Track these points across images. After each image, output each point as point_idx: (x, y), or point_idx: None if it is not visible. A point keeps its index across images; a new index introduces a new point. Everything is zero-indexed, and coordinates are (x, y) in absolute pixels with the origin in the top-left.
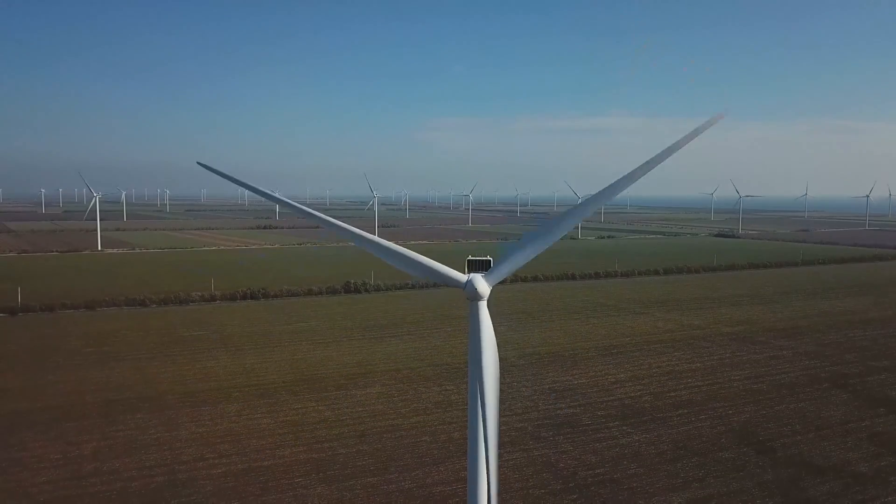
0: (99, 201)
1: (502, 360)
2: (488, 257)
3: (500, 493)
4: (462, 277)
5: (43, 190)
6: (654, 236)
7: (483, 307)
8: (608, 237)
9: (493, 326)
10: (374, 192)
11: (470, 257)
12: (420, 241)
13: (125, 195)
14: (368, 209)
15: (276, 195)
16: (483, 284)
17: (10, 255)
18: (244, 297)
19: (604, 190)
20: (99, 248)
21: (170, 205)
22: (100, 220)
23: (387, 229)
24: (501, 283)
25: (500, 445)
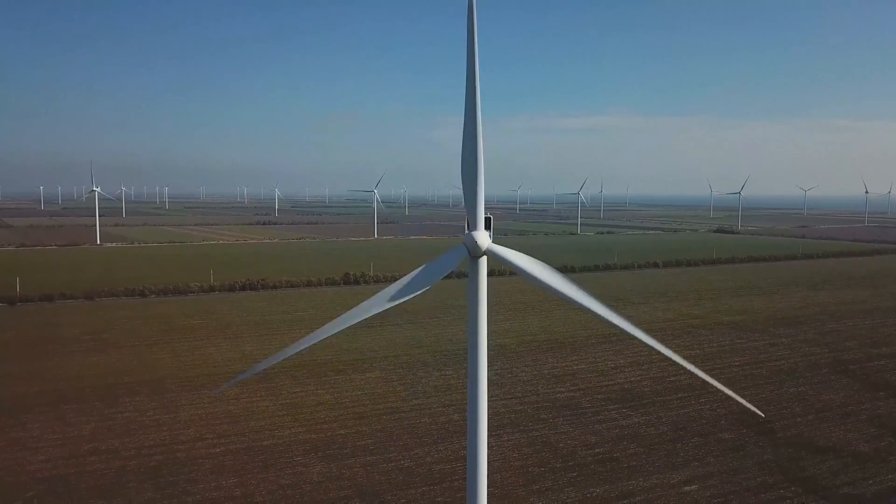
0: (98, 198)
1: (502, 348)
2: (489, 215)
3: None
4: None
5: (42, 187)
6: (653, 232)
7: (481, 262)
8: (607, 233)
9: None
10: (375, 190)
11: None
12: (419, 236)
13: (124, 192)
14: (374, 193)
15: None
16: (485, 237)
17: (9, 248)
18: (243, 288)
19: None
20: (98, 242)
21: (169, 202)
22: (98, 215)
23: (386, 225)
24: (500, 275)
25: (500, 427)
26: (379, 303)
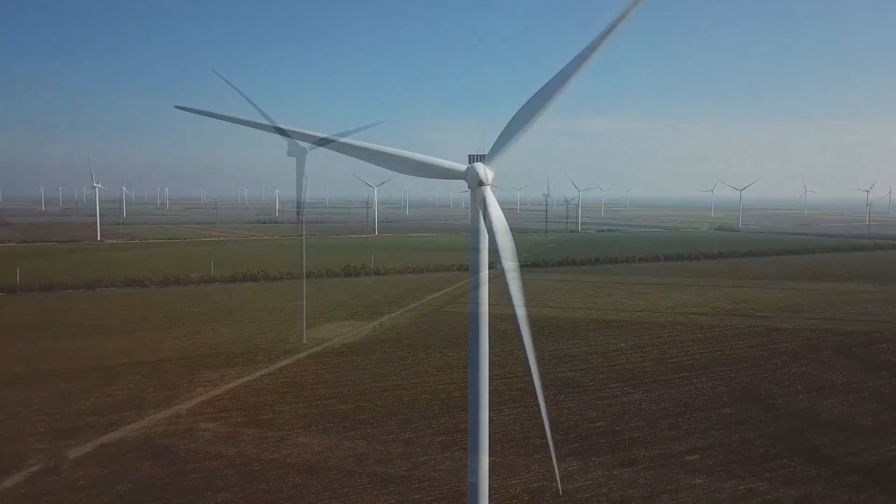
0: (98, 197)
1: (502, 332)
2: (483, 153)
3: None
4: (459, 167)
5: (42, 188)
6: (654, 230)
7: (488, 192)
8: (608, 230)
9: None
10: (374, 186)
11: (469, 153)
12: (420, 234)
13: (125, 193)
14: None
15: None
16: (483, 168)
17: (10, 244)
18: (244, 279)
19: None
20: (98, 238)
21: (170, 203)
22: (99, 214)
23: (387, 223)
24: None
25: (502, 402)
26: (383, 156)
